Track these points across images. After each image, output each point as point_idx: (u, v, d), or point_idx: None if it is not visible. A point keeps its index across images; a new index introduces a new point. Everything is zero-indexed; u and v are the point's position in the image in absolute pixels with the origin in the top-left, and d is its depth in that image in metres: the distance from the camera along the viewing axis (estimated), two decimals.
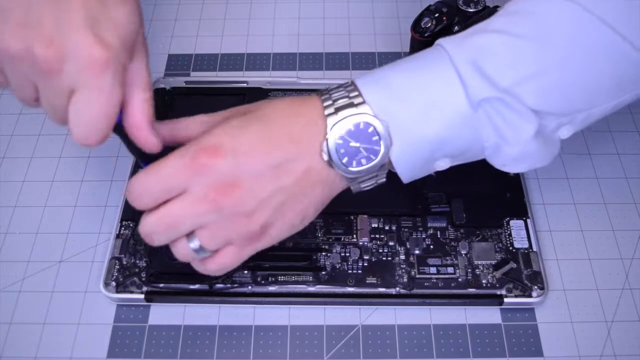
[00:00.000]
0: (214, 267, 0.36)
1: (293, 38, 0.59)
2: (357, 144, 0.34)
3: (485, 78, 0.33)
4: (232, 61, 0.57)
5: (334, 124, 0.34)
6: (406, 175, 0.36)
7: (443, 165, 0.36)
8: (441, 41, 0.35)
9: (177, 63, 0.57)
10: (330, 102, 0.35)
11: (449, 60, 0.34)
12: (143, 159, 0.36)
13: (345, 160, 0.34)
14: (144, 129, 0.33)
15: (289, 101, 0.36)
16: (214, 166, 0.33)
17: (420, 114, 0.34)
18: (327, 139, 0.34)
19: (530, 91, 0.33)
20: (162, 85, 0.53)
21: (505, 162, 0.36)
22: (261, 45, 0.58)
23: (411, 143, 0.34)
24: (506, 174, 0.47)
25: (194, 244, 0.34)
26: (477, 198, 0.45)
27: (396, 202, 0.46)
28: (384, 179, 0.36)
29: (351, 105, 0.34)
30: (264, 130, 0.34)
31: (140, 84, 0.33)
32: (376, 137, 0.34)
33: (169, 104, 0.52)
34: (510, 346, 0.40)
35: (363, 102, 0.34)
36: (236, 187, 0.33)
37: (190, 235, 0.34)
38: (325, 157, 0.34)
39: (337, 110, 0.34)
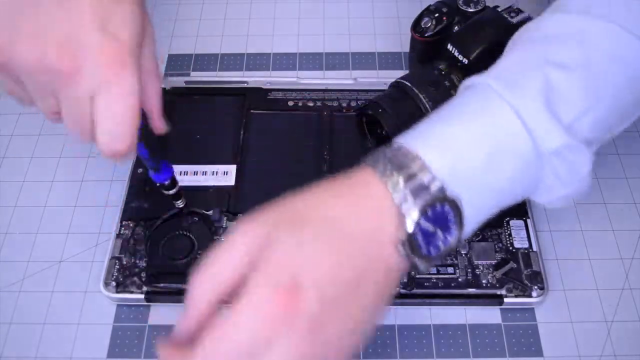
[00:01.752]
0: None
1: (293, 38, 0.59)
2: (433, 228, 0.29)
3: (555, 120, 0.30)
4: (232, 61, 0.57)
5: (407, 213, 0.28)
6: (467, 234, 0.32)
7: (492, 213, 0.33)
8: (485, 80, 0.32)
9: (177, 63, 0.57)
10: (392, 182, 0.29)
11: (509, 107, 0.30)
12: (148, 164, 0.37)
13: (423, 249, 0.29)
14: (158, 118, 0.34)
15: (344, 195, 0.30)
16: (301, 309, 0.26)
17: (487, 173, 0.30)
18: (404, 234, 0.29)
19: (588, 125, 0.32)
20: (162, 85, 0.53)
21: (555, 200, 0.33)
22: (261, 45, 0.58)
23: (480, 207, 0.31)
24: None
25: None
26: None
27: None
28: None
29: (421, 186, 0.29)
30: (335, 245, 0.28)
31: (153, 71, 0.33)
32: (451, 215, 0.29)
33: (169, 104, 0.52)
34: (510, 346, 0.40)
35: (432, 179, 0.29)
36: (325, 325, 0.27)
37: None
38: (402, 252, 0.29)
39: (407, 195, 0.29)
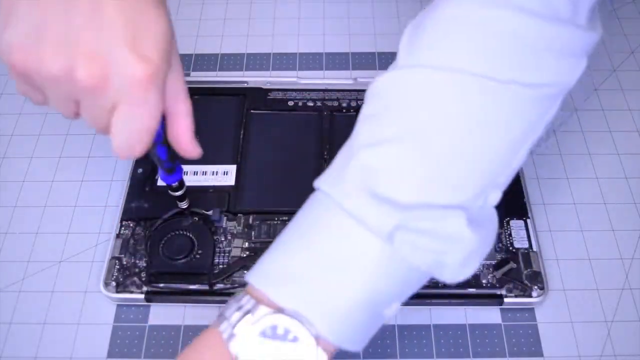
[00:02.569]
0: None
1: (293, 38, 0.59)
2: (277, 351, 0.29)
3: (384, 203, 0.29)
4: (232, 61, 0.57)
5: (239, 346, 0.30)
6: (355, 345, 0.31)
7: (394, 310, 0.32)
8: (319, 184, 0.32)
9: None
10: (226, 322, 0.31)
11: (337, 206, 0.30)
12: (164, 165, 0.37)
13: None
14: (191, 142, 0.33)
15: (192, 346, 0.32)
16: None
17: (335, 282, 0.30)
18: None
19: (439, 191, 0.30)
20: None
21: (454, 272, 0.31)
22: (261, 45, 0.58)
23: (340, 318, 0.30)
24: None
25: None
26: None
27: None
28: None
29: (247, 313, 0.30)
30: None
31: (182, 96, 0.33)
32: (292, 334, 0.29)
33: None
34: (510, 346, 0.40)
35: (257, 304, 0.30)
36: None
37: None
38: None
39: (234, 328, 0.30)
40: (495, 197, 0.32)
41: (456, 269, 0.31)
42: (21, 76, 0.29)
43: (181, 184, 0.41)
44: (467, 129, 0.30)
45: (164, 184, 0.46)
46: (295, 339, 0.30)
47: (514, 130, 0.31)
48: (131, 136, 0.30)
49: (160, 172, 0.39)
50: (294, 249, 0.32)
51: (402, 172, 0.30)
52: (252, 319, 0.30)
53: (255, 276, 0.32)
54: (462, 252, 0.30)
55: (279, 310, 0.30)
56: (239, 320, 0.30)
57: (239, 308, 0.31)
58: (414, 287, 0.32)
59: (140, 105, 0.29)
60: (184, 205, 0.43)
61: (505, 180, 0.32)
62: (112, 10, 0.28)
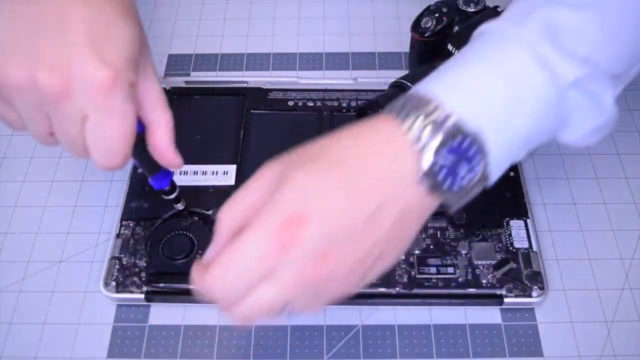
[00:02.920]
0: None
1: (293, 38, 0.59)
2: (454, 163, 0.29)
3: (568, 55, 0.30)
4: (232, 61, 0.57)
5: (423, 149, 0.29)
6: (496, 177, 0.32)
7: (524, 155, 0.33)
8: (496, 25, 0.32)
9: (177, 63, 0.57)
10: (408, 123, 0.29)
11: (523, 46, 0.30)
12: (152, 173, 0.37)
13: (447, 184, 0.29)
14: (169, 151, 0.34)
15: (360, 134, 0.31)
16: (301, 241, 0.28)
17: (510, 110, 0.30)
18: (422, 170, 0.29)
19: (607, 58, 0.31)
20: (162, 85, 0.53)
21: (585, 136, 0.33)
22: (261, 45, 0.58)
23: (506, 145, 0.31)
24: (506, 174, 0.47)
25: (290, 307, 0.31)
26: (477, 198, 0.45)
27: None
28: (489, 183, 0.32)
29: (436, 123, 0.29)
30: (344, 181, 0.29)
31: (159, 105, 0.33)
32: (473, 149, 0.29)
33: (169, 104, 0.52)
34: (510, 346, 0.40)
35: (448, 115, 0.29)
36: (329, 258, 0.29)
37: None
38: (425, 187, 0.29)
39: (423, 133, 0.29)
40: (618, 90, 0.33)
41: (588, 134, 0.33)
42: None
43: (173, 187, 0.40)
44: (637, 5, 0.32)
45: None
46: (472, 159, 0.29)
47: None
48: (107, 146, 0.30)
49: (149, 178, 0.39)
50: (478, 73, 0.31)
51: (585, 33, 0.31)
52: (442, 128, 0.29)
53: (439, 88, 0.30)
54: (602, 119, 0.32)
55: (461, 127, 0.29)
56: (430, 127, 0.29)
57: (430, 113, 0.29)
58: (545, 140, 0.33)
59: (107, 110, 0.30)
60: (180, 207, 0.43)
61: (634, 74, 0.34)
62: (76, 19, 0.29)
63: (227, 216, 0.31)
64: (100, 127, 0.30)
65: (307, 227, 0.28)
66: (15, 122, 0.32)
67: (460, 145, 0.29)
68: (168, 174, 0.39)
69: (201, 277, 0.30)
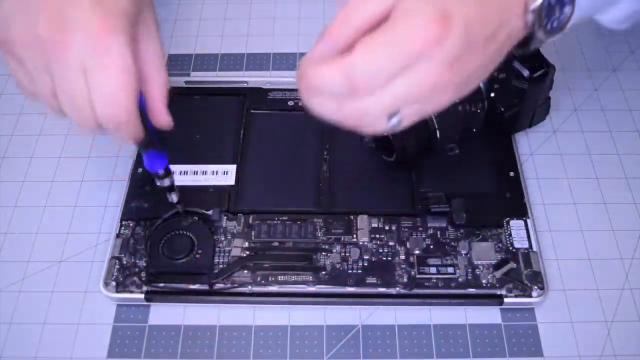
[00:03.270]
0: None
1: (293, 38, 0.59)
2: (554, 2, 0.32)
3: None
4: (232, 61, 0.57)
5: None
6: (580, 16, 0.35)
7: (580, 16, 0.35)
8: None
9: (177, 63, 0.57)
10: None
11: None
12: (147, 147, 0.37)
13: (545, 20, 0.33)
14: (161, 111, 0.35)
15: None
16: (449, 40, 0.29)
17: None
18: (536, 3, 0.31)
19: None
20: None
21: (620, 18, 0.37)
22: (261, 45, 0.58)
23: None
24: (506, 174, 0.47)
25: (396, 118, 0.31)
26: (477, 198, 0.45)
27: (396, 202, 0.46)
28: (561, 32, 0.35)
29: None
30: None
31: (156, 64, 0.34)
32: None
33: (169, 104, 0.52)
34: (510, 346, 0.40)
35: None
36: (457, 66, 0.30)
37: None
38: (530, 19, 0.32)
39: None
40: None
41: (626, 16, 0.37)
42: (2, 46, 0.32)
43: (167, 172, 0.40)
44: None
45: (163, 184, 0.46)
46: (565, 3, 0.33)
47: None
48: (109, 97, 0.31)
49: (145, 158, 0.38)
50: None
51: None
52: None
53: None
54: (637, 6, 0.36)
55: None
56: None
57: None
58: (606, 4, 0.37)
59: (106, 58, 0.30)
60: (174, 198, 0.42)
61: None
62: None
63: (356, 7, 0.30)
64: (101, 77, 0.31)
65: (455, 26, 0.29)
66: (27, 85, 0.33)
67: None
68: (163, 157, 0.39)
69: (337, 62, 0.29)
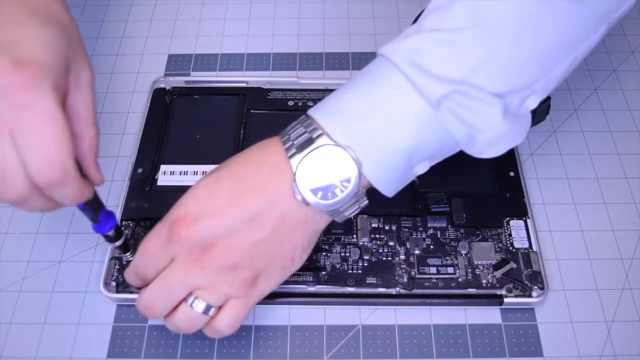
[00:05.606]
0: (224, 322, 0.36)
1: (293, 38, 0.59)
2: (327, 171, 0.34)
3: (433, 77, 0.32)
4: (232, 61, 0.57)
5: (299, 163, 0.34)
6: (387, 189, 0.36)
7: (422, 168, 0.36)
8: (381, 49, 0.35)
9: (177, 63, 0.57)
10: (290, 142, 0.35)
11: (394, 67, 0.33)
12: (95, 213, 0.36)
13: (319, 195, 0.34)
14: (91, 167, 0.33)
15: (252, 151, 0.36)
16: (188, 235, 0.34)
17: (383, 128, 0.34)
18: (295, 180, 0.34)
19: (485, 77, 0.32)
20: (162, 85, 0.53)
21: (482, 149, 0.35)
22: (261, 45, 0.58)
23: (382, 159, 0.34)
24: (506, 174, 0.47)
25: (198, 304, 0.35)
26: (477, 198, 0.45)
27: (396, 202, 0.45)
28: (367, 202, 0.36)
29: (310, 140, 0.34)
30: (231, 186, 0.35)
31: (85, 119, 0.32)
32: (342, 163, 0.34)
33: (169, 104, 0.52)
34: (510, 346, 0.41)
35: (322, 134, 0.34)
36: (213, 247, 0.34)
37: (191, 298, 0.35)
38: (299, 198, 0.34)
39: (298, 148, 0.34)
40: (533, 102, 0.35)
41: (484, 147, 0.34)
42: None
43: (118, 233, 0.38)
44: (520, 25, 0.33)
45: (164, 183, 0.46)
46: (343, 168, 0.34)
47: (558, 37, 0.34)
48: (40, 152, 0.29)
49: (91, 223, 0.37)
50: (356, 97, 0.35)
51: (456, 57, 0.32)
52: (315, 145, 0.34)
53: (319, 112, 0.35)
54: (492, 134, 0.34)
55: (335, 143, 0.34)
56: (304, 144, 0.34)
57: (303, 133, 0.34)
58: (446, 153, 0.36)
59: (31, 112, 0.28)
60: (129, 257, 0.41)
61: (543, 87, 0.35)
62: None
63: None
64: (30, 134, 0.28)
65: (194, 224, 0.34)
66: None
67: (329, 158, 0.34)
68: (110, 216, 0.37)
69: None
